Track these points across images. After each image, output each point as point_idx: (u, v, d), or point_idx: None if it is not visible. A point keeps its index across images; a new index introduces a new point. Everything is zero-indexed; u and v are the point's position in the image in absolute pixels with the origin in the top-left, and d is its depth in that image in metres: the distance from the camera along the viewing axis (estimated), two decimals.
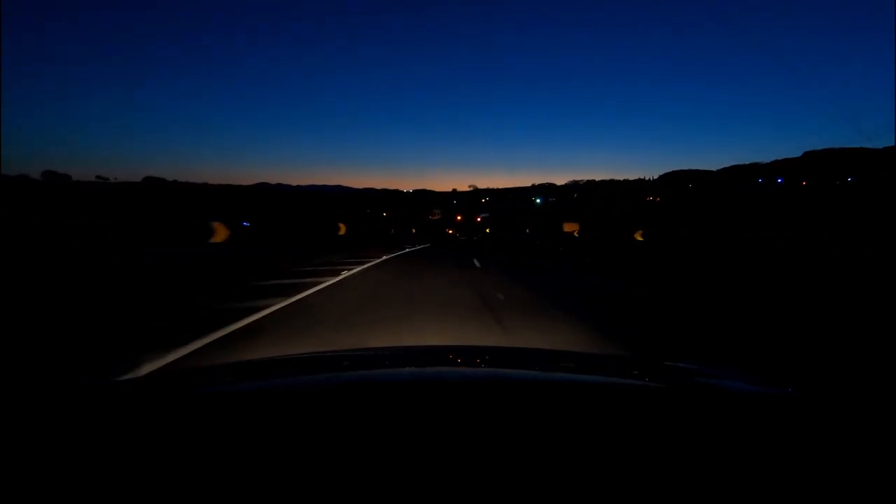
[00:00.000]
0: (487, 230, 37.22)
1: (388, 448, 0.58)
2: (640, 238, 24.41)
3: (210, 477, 0.52)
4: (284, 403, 0.76)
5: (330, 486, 0.51)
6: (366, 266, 9.94)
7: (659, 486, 0.52)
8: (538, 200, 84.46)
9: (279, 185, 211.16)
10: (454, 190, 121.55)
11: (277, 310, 4.55)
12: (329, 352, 1.64)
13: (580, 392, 0.87)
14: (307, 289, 6.03)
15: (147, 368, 2.70)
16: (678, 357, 2.76)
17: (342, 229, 27.77)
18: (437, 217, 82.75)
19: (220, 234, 16.28)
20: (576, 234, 35.17)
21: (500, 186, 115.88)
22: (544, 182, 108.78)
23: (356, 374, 1.08)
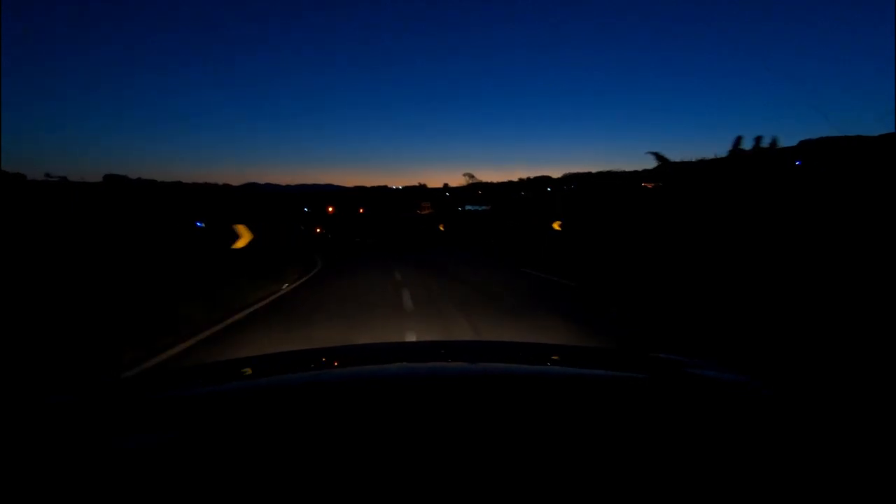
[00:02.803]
0: (557, 225, 23.59)
1: (379, 445, 0.56)
2: None
3: (203, 478, 0.50)
4: (278, 403, 0.73)
5: (324, 485, 0.49)
6: None
7: (646, 478, 0.51)
8: (549, 189, 73.88)
9: (268, 184, 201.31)
10: (445, 185, 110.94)
11: None
12: (319, 349, 1.48)
13: (567, 385, 0.85)
14: None
15: None
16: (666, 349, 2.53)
17: None
18: (426, 212, 72.17)
19: None
20: None
21: (494, 180, 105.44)
22: (539, 175, 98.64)
23: (350, 370, 1.04)
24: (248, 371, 1.05)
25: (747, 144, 13.82)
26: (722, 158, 14.38)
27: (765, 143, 13.58)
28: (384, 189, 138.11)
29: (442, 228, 48.96)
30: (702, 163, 15.45)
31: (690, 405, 0.72)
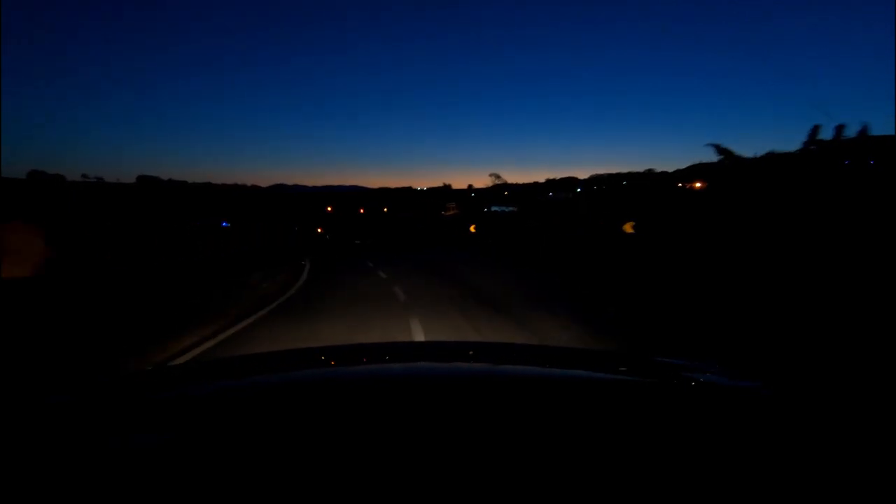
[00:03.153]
0: (629, 227, 21.74)
1: (380, 446, 0.56)
2: None
3: (203, 478, 0.50)
4: (278, 402, 0.73)
5: (325, 485, 0.49)
6: None
7: (645, 480, 0.51)
8: (579, 189, 70.56)
9: (296, 186, 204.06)
10: (470, 186, 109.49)
11: None
12: (320, 348, 1.52)
13: (568, 387, 0.84)
14: None
15: None
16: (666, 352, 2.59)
17: None
18: (452, 213, 70.49)
19: None
20: None
21: (520, 181, 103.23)
22: (566, 176, 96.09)
23: (351, 370, 1.03)
24: (249, 370, 1.03)
25: (826, 134, 11.86)
26: (796, 152, 12.44)
27: (848, 133, 11.59)
28: (409, 190, 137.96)
29: (473, 230, 46.10)
30: (771, 157, 13.45)
31: (689, 409, 0.72)
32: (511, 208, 59.69)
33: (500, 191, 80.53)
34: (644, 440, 0.59)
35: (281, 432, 0.60)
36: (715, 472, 0.52)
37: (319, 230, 46.99)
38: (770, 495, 0.49)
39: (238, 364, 1.08)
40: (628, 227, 23.18)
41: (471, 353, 1.27)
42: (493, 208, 63.40)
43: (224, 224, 42.60)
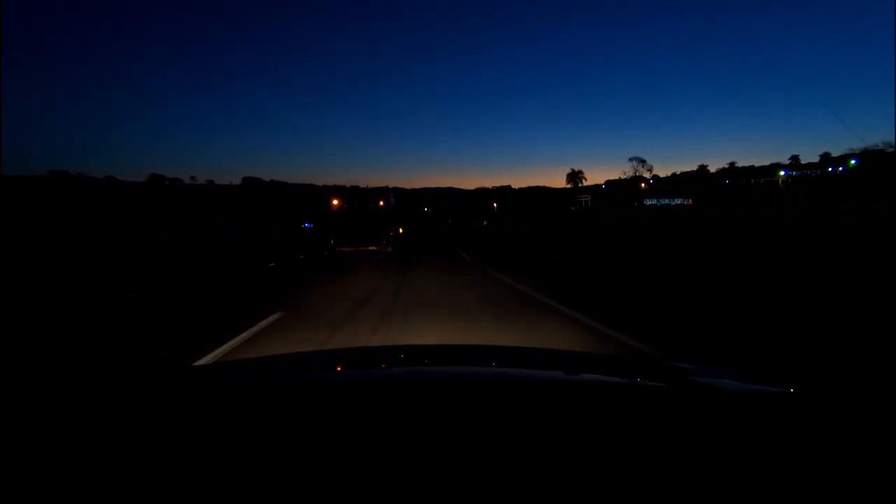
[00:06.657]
0: None
1: (389, 448, 0.54)
2: None
3: (203, 478, 0.49)
4: (278, 403, 0.72)
5: (325, 486, 0.48)
6: None
7: (658, 485, 0.49)
8: (782, 173, 51.50)
9: (396, 188, 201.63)
10: (576, 183, 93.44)
11: None
12: (323, 351, 1.64)
13: (579, 391, 0.82)
14: None
15: None
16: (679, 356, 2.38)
17: None
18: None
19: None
20: None
21: (663, 173, 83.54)
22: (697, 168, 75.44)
23: (350, 373, 1.02)
24: (248, 372, 1.03)
25: None
26: None
27: None
28: (507, 189, 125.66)
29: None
30: None
31: (699, 414, 0.69)
32: (679, 201, 43.69)
33: (635, 183, 62.45)
34: (647, 444, 0.57)
35: (281, 435, 0.58)
36: (724, 477, 0.50)
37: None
38: (781, 499, 0.47)
39: (240, 366, 1.04)
40: None
41: (480, 356, 1.21)
42: (649, 201, 47.66)
43: (306, 225, 36.61)
